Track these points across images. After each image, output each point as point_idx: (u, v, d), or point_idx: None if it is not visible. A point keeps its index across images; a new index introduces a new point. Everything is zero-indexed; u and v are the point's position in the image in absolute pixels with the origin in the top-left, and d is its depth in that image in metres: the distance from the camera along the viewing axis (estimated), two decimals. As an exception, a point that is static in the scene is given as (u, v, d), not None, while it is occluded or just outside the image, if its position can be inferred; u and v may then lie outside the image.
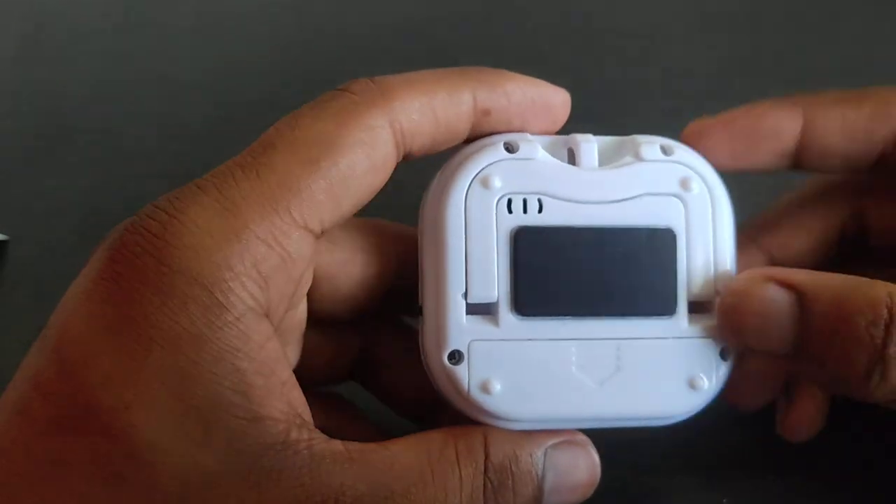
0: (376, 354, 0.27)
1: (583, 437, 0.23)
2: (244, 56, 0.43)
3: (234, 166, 0.21)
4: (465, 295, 0.22)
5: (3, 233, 0.37)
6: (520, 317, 0.22)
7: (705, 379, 0.23)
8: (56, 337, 0.20)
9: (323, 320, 0.25)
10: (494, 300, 0.22)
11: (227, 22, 0.45)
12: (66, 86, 0.42)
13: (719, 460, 0.29)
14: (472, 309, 0.22)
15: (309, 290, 0.24)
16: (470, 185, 0.22)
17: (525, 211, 0.22)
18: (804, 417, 0.28)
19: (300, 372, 0.26)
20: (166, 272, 0.19)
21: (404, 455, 0.21)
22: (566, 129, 0.24)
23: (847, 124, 0.24)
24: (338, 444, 0.20)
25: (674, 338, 0.23)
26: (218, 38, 0.44)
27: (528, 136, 0.23)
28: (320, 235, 0.21)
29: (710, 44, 0.42)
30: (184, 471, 0.19)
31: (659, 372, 0.23)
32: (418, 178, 0.24)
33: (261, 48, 0.44)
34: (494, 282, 0.22)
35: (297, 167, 0.21)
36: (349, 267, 0.24)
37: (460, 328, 0.22)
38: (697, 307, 0.23)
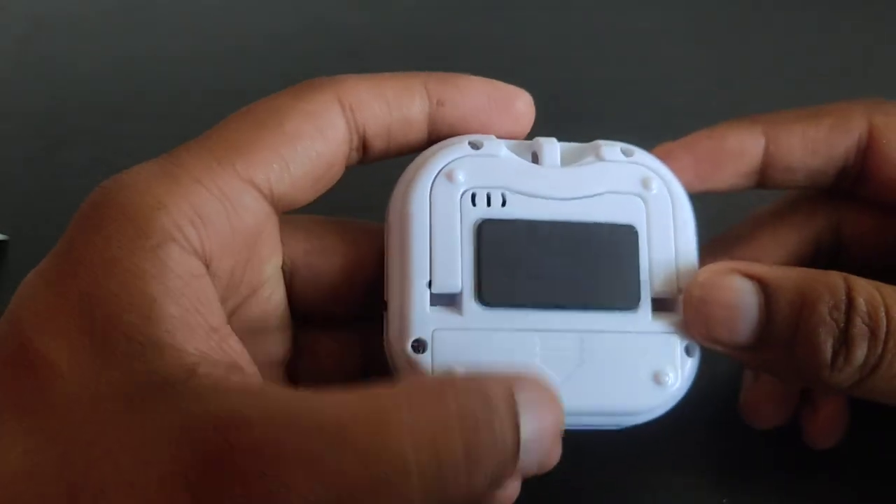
0: (381, 359, 0.27)
1: (544, 380, 0.20)
2: (245, 56, 0.43)
3: (189, 141, 0.22)
4: (430, 284, 0.22)
5: (3, 233, 0.37)
6: (484, 307, 0.22)
7: (670, 374, 0.23)
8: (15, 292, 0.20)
9: (318, 318, 0.25)
10: (458, 290, 0.22)
11: (227, 22, 0.45)
12: (66, 86, 0.42)
13: (719, 460, 0.29)
14: (436, 300, 0.22)
15: (289, 279, 0.24)
16: (435, 178, 0.23)
17: (489, 204, 0.23)
18: (828, 424, 0.28)
19: (310, 380, 0.26)
20: (99, 209, 0.20)
21: (337, 395, 0.18)
22: (551, 135, 0.25)
23: (808, 140, 0.24)
24: (255, 381, 0.19)
25: (637, 332, 0.23)
26: (218, 38, 0.44)
27: (493, 137, 0.24)
28: (272, 199, 0.22)
29: (709, 44, 0.42)
30: (75, 391, 0.18)
31: (623, 366, 0.23)
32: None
33: (261, 49, 0.44)
34: (458, 272, 0.22)
35: (243, 129, 0.22)
36: (328, 254, 0.25)
37: (424, 317, 0.22)
38: (660, 304, 0.24)
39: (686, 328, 0.23)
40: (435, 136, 0.24)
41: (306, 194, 0.23)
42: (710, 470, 0.29)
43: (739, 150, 0.24)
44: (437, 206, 0.23)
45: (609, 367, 0.23)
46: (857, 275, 0.22)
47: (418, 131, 0.24)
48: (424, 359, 0.22)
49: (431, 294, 0.22)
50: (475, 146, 0.23)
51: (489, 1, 0.45)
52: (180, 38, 0.44)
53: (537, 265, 0.23)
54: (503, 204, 0.23)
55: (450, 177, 0.23)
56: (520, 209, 0.23)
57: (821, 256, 0.28)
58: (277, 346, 0.25)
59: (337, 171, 0.23)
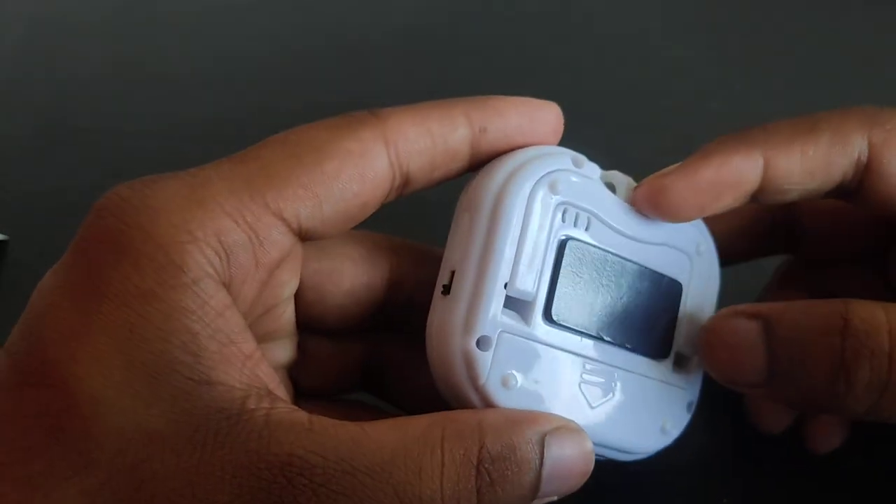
0: (382, 362, 0.27)
1: (576, 424, 0.22)
2: (244, 56, 0.43)
3: (220, 159, 0.21)
4: (507, 285, 0.22)
5: (3, 233, 0.37)
6: (547, 322, 0.22)
7: (674, 426, 0.25)
8: (28, 304, 0.20)
9: (321, 329, 0.25)
10: (531, 299, 0.22)
11: (227, 23, 0.45)
12: (66, 86, 0.42)
13: (719, 460, 0.29)
14: (507, 303, 0.22)
15: (297, 298, 0.24)
16: (537, 183, 0.22)
17: (576, 224, 0.23)
18: (828, 430, 0.28)
19: (311, 382, 0.26)
20: (124, 230, 0.19)
21: (376, 433, 0.19)
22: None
23: (807, 162, 0.24)
24: (302, 415, 0.19)
25: (660, 381, 0.24)
26: (218, 38, 0.44)
27: (585, 157, 0.24)
28: (299, 232, 0.21)
29: (709, 44, 0.42)
30: (124, 426, 0.18)
31: (641, 408, 0.24)
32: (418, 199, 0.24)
33: (261, 49, 0.44)
34: (536, 281, 0.22)
35: (279, 160, 0.21)
36: (336, 276, 0.24)
37: (495, 316, 0.22)
38: (679, 359, 0.25)
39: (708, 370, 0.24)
40: (476, 162, 0.24)
41: (335, 230, 0.22)
42: (710, 470, 0.29)
43: (738, 179, 0.24)
44: (533, 211, 0.22)
45: (631, 407, 0.24)
46: (812, 249, 0.22)
47: (461, 160, 0.23)
48: (485, 357, 0.21)
49: (506, 296, 0.22)
50: (576, 163, 0.23)
51: (489, 2, 0.45)
52: (180, 39, 0.44)
53: (600, 296, 0.23)
54: (587, 228, 0.23)
55: (553, 187, 0.22)
56: (600, 237, 0.23)
57: (778, 228, 0.28)
58: (283, 353, 0.25)
59: (370, 210, 0.23)
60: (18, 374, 0.19)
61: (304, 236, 0.22)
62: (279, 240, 0.21)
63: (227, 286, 0.20)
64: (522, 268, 0.22)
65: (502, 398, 0.22)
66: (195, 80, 0.42)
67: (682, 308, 0.25)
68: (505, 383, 0.22)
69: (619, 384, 0.24)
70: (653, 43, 0.42)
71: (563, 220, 0.23)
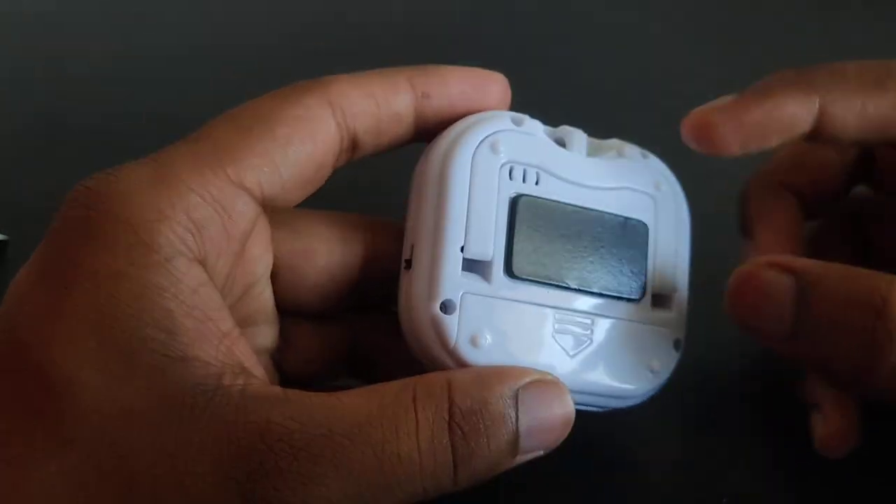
0: (366, 346, 0.27)
1: (552, 376, 0.22)
2: (244, 56, 0.43)
3: (176, 142, 0.22)
4: (463, 249, 0.22)
5: (2, 233, 0.37)
6: (510, 278, 0.23)
7: (661, 365, 0.25)
8: (6, 295, 0.20)
9: (303, 313, 0.26)
10: (489, 258, 0.23)
11: (227, 22, 0.45)
12: (65, 86, 0.42)
13: (719, 460, 0.29)
14: (466, 265, 0.23)
15: (274, 280, 0.25)
16: (478, 146, 0.23)
17: (524, 181, 0.23)
18: (837, 431, 0.27)
19: (296, 368, 0.26)
20: (94, 216, 0.20)
21: (350, 400, 0.20)
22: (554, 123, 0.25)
23: (866, 116, 0.23)
24: (276, 388, 0.20)
25: (639, 322, 0.25)
26: (218, 38, 0.44)
27: (528, 117, 0.24)
28: (262, 200, 0.22)
29: (709, 44, 0.42)
30: (101, 405, 0.19)
31: (624, 351, 0.24)
32: (395, 177, 0.25)
33: (261, 48, 0.44)
34: (491, 240, 0.23)
35: (233, 134, 0.22)
36: (311, 257, 0.25)
37: (455, 279, 0.22)
38: (659, 300, 0.25)
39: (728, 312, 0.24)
40: (422, 128, 0.24)
41: (296, 195, 0.23)
42: (710, 470, 0.29)
43: (791, 122, 0.23)
44: (478, 174, 0.23)
45: (613, 351, 0.24)
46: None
47: (406, 124, 0.24)
48: (451, 320, 0.22)
49: (463, 259, 0.22)
50: (516, 122, 0.24)
51: (489, 1, 0.45)
52: (180, 39, 0.44)
53: (561, 246, 0.24)
54: (537, 182, 0.24)
55: (494, 147, 0.23)
56: (551, 190, 0.24)
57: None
58: (265, 337, 0.25)
59: (326, 173, 0.23)
60: None
61: (268, 205, 0.22)
62: (245, 210, 0.22)
63: (203, 263, 0.21)
64: (475, 230, 0.23)
65: (474, 357, 0.22)
66: (196, 81, 0.42)
67: (651, 247, 0.25)
68: (474, 342, 0.22)
69: (596, 330, 0.24)
70: (653, 43, 0.42)
71: (511, 178, 0.23)
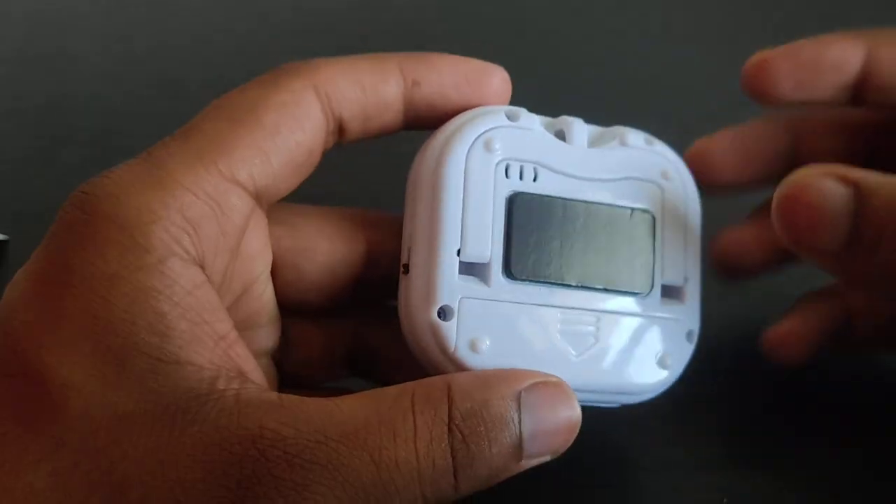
0: (369, 342, 0.27)
1: (556, 378, 0.21)
2: (244, 56, 0.43)
3: (166, 138, 0.21)
4: (459, 252, 0.22)
5: (3, 233, 0.37)
6: (509, 280, 0.23)
7: (673, 358, 0.24)
8: (2, 301, 0.20)
9: (304, 310, 0.25)
10: (487, 260, 0.22)
11: (227, 22, 0.45)
12: (66, 86, 0.42)
13: (719, 460, 0.29)
14: (464, 268, 0.22)
15: (274, 277, 0.24)
16: (472, 145, 0.23)
17: (521, 178, 0.23)
18: (792, 333, 0.28)
19: (297, 367, 0.26)
20: (88, 219, 0.20)
21: (349, 405, 0.19)
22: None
23: None
24: (272, 394, 0.20)
25: (648, 316, 0.24)
26: (218, 38, 0.44)
27: (526, 110, 0.24)
28: (255, 194, 0.22)
29: (709, 44, 0.42)
30: (93, 410, 0.18)
31: (633, 347, 0.24)
32: (395, 169, 0.25)
33: (261, 48, 0.44)
34: (489, 242, 0.22)
35: (222, 126, 0.21)
36: (311, 254, 0.25)
37: (452, 284, 0.22)
38: (668, 291, 0.25)
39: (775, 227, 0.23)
40: (412, 116, 0.24)
41: (288, 184, 0.23)
42: (711, 470, 0.29)
43: (841, 59, 0.24)
44: (472, 174, 0.22)
45: (621, 347, 0.23)
46: None
47: (395, 112, 0.24)
48: (449, 326, 0.22)
49: (460, 262, 0.22)
50: (511, 117, 0.23)
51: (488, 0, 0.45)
52: (180, 38, 0.44)
53: (562, 244, 0.23)
54: (534, 179, 0.23)
55: (487, 145, 0.23)
56: (550, 186, 0.23)
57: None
58: (267, 338, 0.25)
59: (316, 158, 0.23)
60: None
61: (261, 197, 0.22)
62: (239, 204, 0.21)
63: (200, 263, 0.20)
64: (471, 232, 0.22)
65: (475, 362, 0.22)
66: (195, 80, 0.42)
67: (659, 238, 0.24)
68: (473, 347, 0.22)
69: (602, 327, 0.23)
70: (654, 43, 0.42)
71: (508, 176, 0.23)
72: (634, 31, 0.43)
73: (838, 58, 0.24)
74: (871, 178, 0.22)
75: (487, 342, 0.22)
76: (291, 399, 0.19)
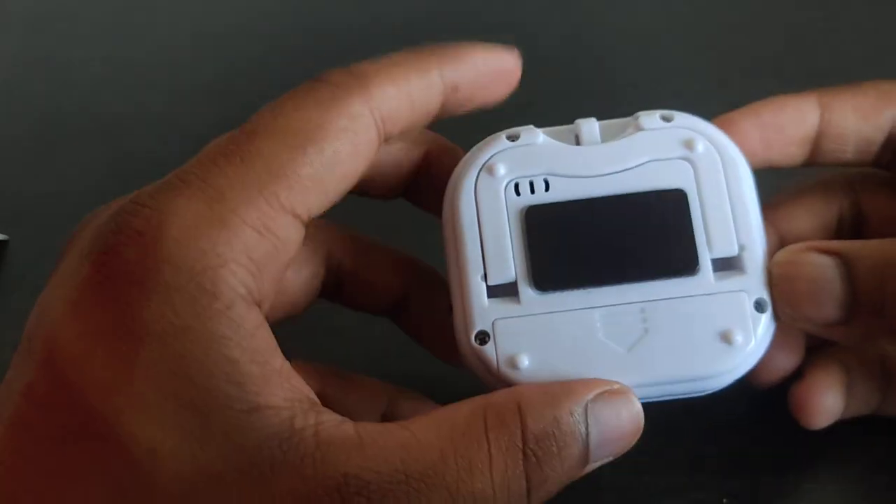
0: (410, 297, 0.27)
1: (620, 385, 0.21)
2: (244, 56, 0.43)
3: (216, 155, 0.20)
4: (485, 277, 0.23)
5: (3, 233, 0.37)
6: (540, 292, 0.23)
7: (740, 333, 0.23)
8: (44, 348, 0.19)
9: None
10: (513, 279, 0.23)
11: (227, 23, 0.45)
12: (66, 86, 0.42)
13: (719, 460, 0.29)
14: (494, 292, 0.23)
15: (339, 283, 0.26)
16: (478, 176, 0.23)
17: (532, 192, 0.23)
18: (818, 398, 0.27)
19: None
20: (151, 266, 0.19)
21: (423, 434, 0.19)
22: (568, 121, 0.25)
23: (857, 105, 0.25)
24: (349, 428, 0.19)
25: (700, 295, 0.23)
26: (218, 38, 0.44)
27: (532, 127, 0.24)
28: (307, 223, 0.21)
29: (709, 44, 0.42)
30: (184, 471, 0.18)
31: (688, 330, 0.23)
32: None
33: (260, 48, 0.44)
34: (511, 262, 0.23)
35: (282, 153, 0.20)
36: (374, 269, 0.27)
37: (482, 310, 0.23)
38: (723, 264, 0.23)
39: (774, 307, 0.23)
40: (444, 116, 0.24)
41: (332, 204, 0.22)
42: (710, 470, 0.29)
43: (799, 116, 0.25)
44: (483, 202, 0.23)
45: (674, 334, 0.23)
46: None
47: (432, 118, 0.24)
48: (489, 350, 0.22)
49: (488, 286, 0.23)
50: (512, 138, 0.24)
51: (488, 1, 0.45)
52: (180, 39, 0.44)
53: (587, 244, 0.23)
54: (546, 189, 0.23)
55: (490, 171, 0.23)
56: (563, 191, 0.23)
57: (844, 227, 0.28)
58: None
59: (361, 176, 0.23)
60: (58, 429, 0.19)
61: (310, 223, 0.22)
62: (295, 237, 0.21)
63: (259, 302, 0.20)
64: (492, 256, 0.23)
65: (520, 377, 0.22)
66: (195, 80, 0.42)
67: (697, 214, 0.23)
68: (512, 364, 0.22)
69: (650, 318, 0.23)
70: (653, 43, 0.42)
71: (519, 194, 0.23)
72: (634, 31, 0.43)
73: (797, 115, 0.25)
74: (851, 245, 0.23)
75: (525, 357, 0.22)
76: (369, 433, 0.19)
